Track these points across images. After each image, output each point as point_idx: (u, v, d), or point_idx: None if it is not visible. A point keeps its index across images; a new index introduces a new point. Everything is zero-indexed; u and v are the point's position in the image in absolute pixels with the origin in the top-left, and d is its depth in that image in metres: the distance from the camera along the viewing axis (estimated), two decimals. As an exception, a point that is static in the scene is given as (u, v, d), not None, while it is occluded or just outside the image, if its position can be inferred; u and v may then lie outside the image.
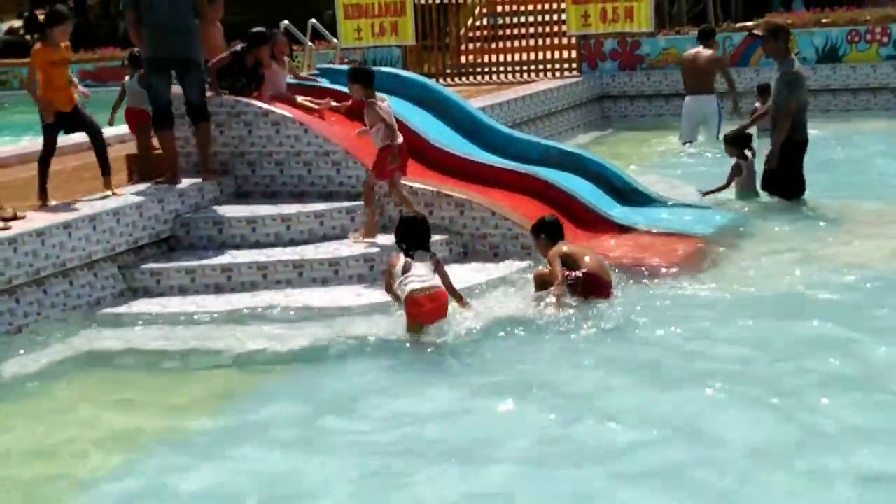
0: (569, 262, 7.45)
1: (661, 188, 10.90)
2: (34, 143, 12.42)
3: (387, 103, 8.71)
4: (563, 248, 7.57)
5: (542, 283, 7.49)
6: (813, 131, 10.62)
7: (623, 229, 9.26)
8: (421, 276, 7.02)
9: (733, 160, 10.70)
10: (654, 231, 9.19)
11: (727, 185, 10.66)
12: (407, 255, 7.17)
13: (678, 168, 12.58)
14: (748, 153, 10.73)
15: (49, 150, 8.56)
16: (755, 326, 6.95)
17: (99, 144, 8.64)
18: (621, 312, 7.32)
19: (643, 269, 8.20)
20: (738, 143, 10.79)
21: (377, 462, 5.32)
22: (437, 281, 7.09)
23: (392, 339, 7.04)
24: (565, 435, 5.50)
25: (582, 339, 6.87)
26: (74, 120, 8.61)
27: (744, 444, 5.23)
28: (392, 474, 5.19)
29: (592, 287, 7.39)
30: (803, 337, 6.70)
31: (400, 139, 8.70)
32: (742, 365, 6.27)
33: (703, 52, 14.26)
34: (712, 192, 10.63)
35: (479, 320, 7.25)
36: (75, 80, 9.63)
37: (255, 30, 9.74)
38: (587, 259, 7.51)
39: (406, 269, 7.06)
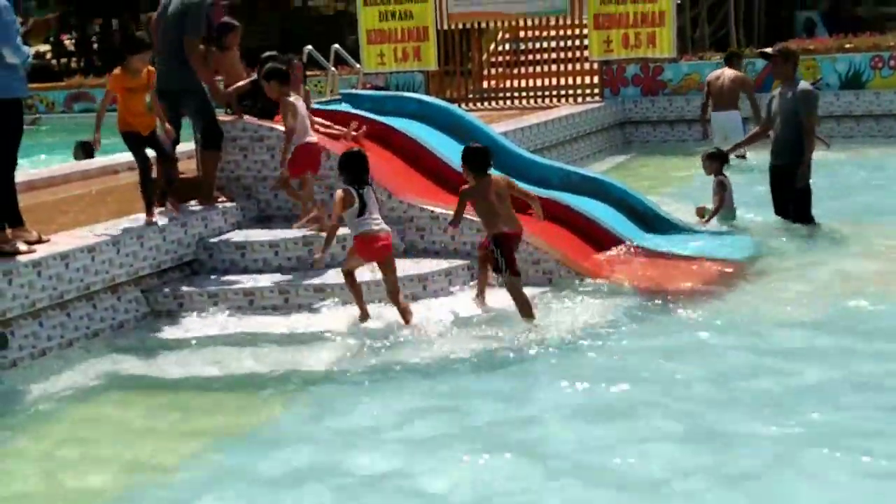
0: (483, 211, 7.91)
1: (684, 214, 10.87)
2: (61, 167, 12.57)
3: (301, 103, 8.89)
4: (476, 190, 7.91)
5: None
6: (837, 156, 10.59)
7: (646, 255, 9.24)
8: (376, 219, 7.74)
9: (717, 178, 10.77)
10: (677, 256, 9.17)
11: (721, 205, 10.65)
12: (358, 193, 7.64)
13: (700, 193, 12.52)
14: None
15: (144, 166, 8.54)
16: (781, 353, 6.90)
17: (168, 170, 8.76)
18: (640, 338, 7.31)
19: (666, 294, 8.18)
20: (718, 158, 10.94)
21: (399, 487, 5.31)
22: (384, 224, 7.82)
23: (414, 361, 7.05)
24: (591, 453, 5.48)
25: (602, 366, 6.86)
26: (151, 145, 8.62)
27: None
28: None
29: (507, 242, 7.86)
30: (835, 364, 6.65)
31: (312, 139, 8.85)
32: (766, 395, 6.23)
33: (728, 71, 14.87)
34: (712, 216, 10.60)
35: (501, 344, 7.25)
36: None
37: (271, 65, 9.63)
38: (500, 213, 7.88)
39: (363, 209, 7.64)
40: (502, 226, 7.92)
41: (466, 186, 8.00)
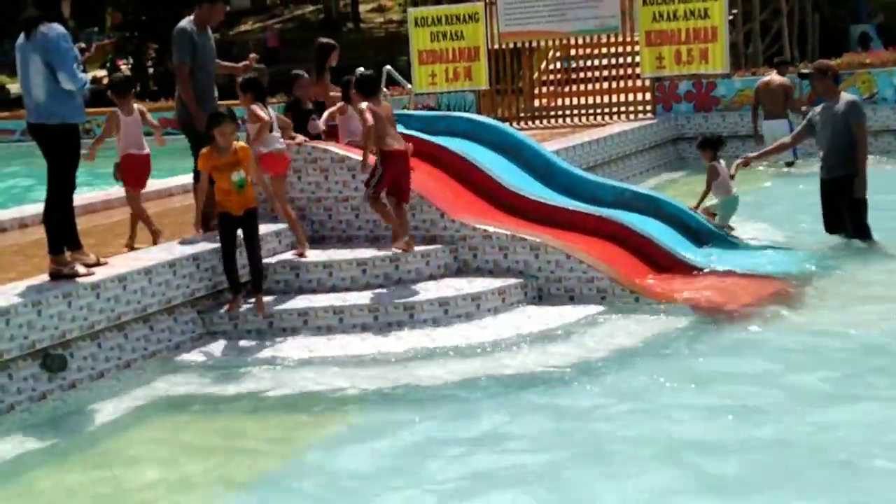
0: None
1: (739, 229, 10.78)
2: (117, 190, 12.72)
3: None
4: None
5: None
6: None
7: (700, 272, 9.17)
8: (279, 136, 8.65)
9: (710, 164, 11.05)
10: (732, 273, 9.09)
11: (708, 191, 10.99)
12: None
13: (754, 209, 12.43)
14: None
15: (228, 247, 8.30)
16: (839, 372, 6.81)
17: (254, 264, 8.39)
18: (697, 356, 7.25)
19: (721, 312, 8.11)
20: (711, 145, 11.20)
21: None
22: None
23: (466, 379, 7.05)
24: (653, 473, 5.44)
25: (656, 383, 6.81)
26: (244, 227, 8.30)
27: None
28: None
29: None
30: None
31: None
32: (823, 415, 6.15)
33: (776, 78, 15.61)
34: (699, 203, 10.95)
35: (556, 361, 7.23)
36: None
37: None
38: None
39: (271, 127, 8.81)
40: (392, 143, 8.74)
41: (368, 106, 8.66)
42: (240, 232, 8.32)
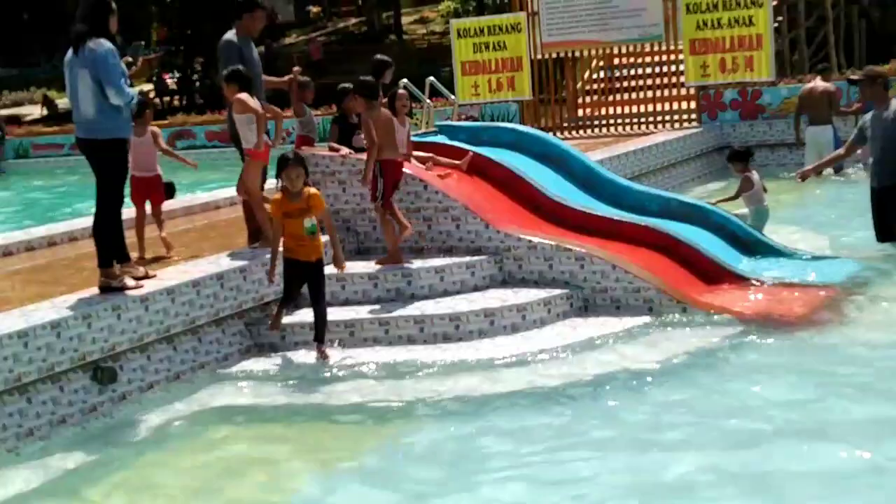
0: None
1: (786, 239, 10.68)
2: (168, 203, 12.86)
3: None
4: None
5: None
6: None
7: (749, 282, 9.10)
8: None
9: (744, 175, 11.26)
10: (781, 283, 9.01)
11: (735, 197, 11.25)
12: None
13: (802, 217, 12.32)
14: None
15: (292, 295, 8.23)
16: (892, 384, 6.72)
17: (320, 314, 8.07)
18: (745, 367, 7.19)
19: (771, 322, 8.03)
20: (741, 157, 11.49)
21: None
22: None
23: (512, 389, 7.04)
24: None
25: (704, 394, 6.76)
26: (312, 276, 8.07)
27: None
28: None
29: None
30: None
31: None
32: (880, 426, 6.07)
33: (819, 84, 15.51)
34: (721, 201, 11.21)
35: (604, 370, 7.21)
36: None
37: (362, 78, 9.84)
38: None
39: None
40: (388, 153, 8.89)
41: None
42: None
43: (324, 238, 8.18)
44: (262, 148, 8.76)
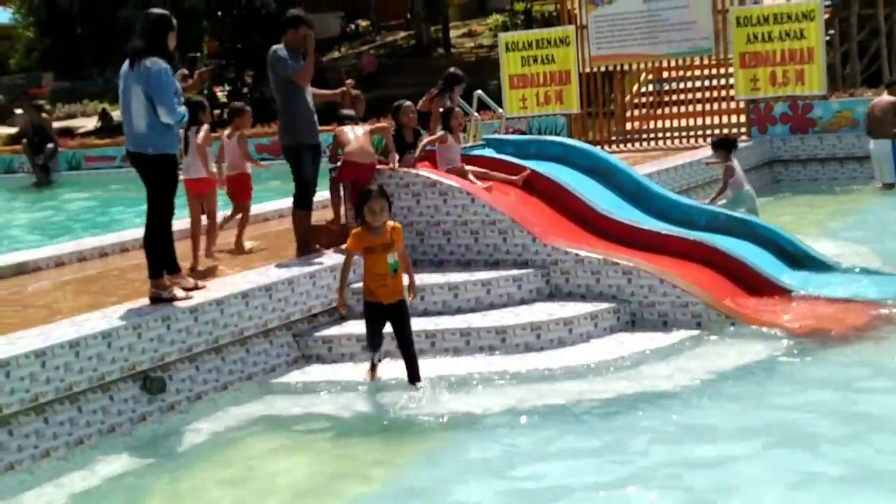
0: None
1: (837, 253, 10.57)
2: (219, 213, 12.98)
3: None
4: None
5: None
6: None
7: (797, 296, 9.01)
8: None
9: (726, 164, 12.04)
10: (831, 298, 8.91)
11: (724, 188, 11.99)
12: None
13: (854, 233, 12.19)
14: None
15: (377, 340, 7.69)
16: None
17: (410, 356, 7.60)
18: (795, 381, 7.12)
19: (821, 337, 7.95)
20: (727, 146, 12.28)
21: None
22: None
23: (558, 402, 7.03)
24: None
25: (753, 409, 6.70)
26: (396, 317, 7.59)
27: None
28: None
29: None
30: None
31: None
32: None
33: (885, 98, 15.31)
34: (714, 199, 11.92)
35: (652, 384, 7.17)
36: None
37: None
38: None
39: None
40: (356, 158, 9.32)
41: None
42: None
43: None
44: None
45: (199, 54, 9.19)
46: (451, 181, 9.59)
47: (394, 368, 8.01)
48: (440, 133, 10.28)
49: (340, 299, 7.78)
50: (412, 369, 7.57)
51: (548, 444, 6.46)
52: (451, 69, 11.37)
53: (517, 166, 10.63)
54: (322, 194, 10.47)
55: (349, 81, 10.44)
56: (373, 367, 7.78)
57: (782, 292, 9.11)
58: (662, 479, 5.81)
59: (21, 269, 9.95)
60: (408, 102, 10.20)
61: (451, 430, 6.89)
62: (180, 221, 9.45)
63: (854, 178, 16.40)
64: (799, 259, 10.07)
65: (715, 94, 18.15)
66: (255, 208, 12.91)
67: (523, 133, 18.53)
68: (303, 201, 9.41)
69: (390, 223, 7.57)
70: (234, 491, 6.21)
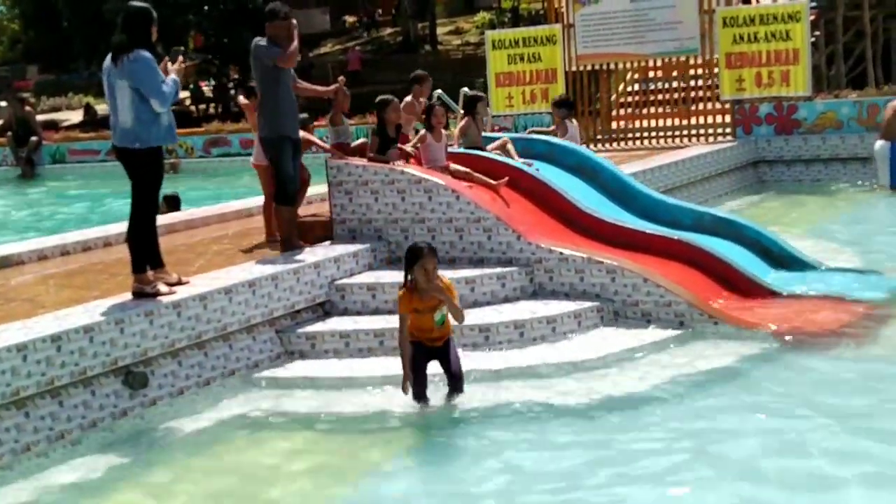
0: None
1: (820, 254, 10.61)
2: (203, 209, 12.98)
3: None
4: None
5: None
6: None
7: (781, 297, 9.04)
8: None
9: (564, 121, 12.83)
10: (814, 298, 8.94)
11: (553, 134, 12.54)
12: None
13: (837, 233, 12.24)
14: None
15: (419, 390, 7.15)
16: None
17: (457, 390, 7.23)
18: (777, 382, 7.15)
19: (803, 337, 7.98)
20: (569, 105, 13.52)
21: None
22: None
23: (534, 402, 7.03)
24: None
25: (734, 409, 6.72)
26: (442, 356, 7.26)
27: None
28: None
29: None
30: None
31: None
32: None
33: (895, 101, 15.18)
34: (539, 131, 12.83)
35: (633, 385, 7.19)
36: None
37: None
38: None
39: None
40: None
41: None
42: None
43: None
44: None
45: (182, 48, 9.10)
46: (437, 178, 9.59)
47: (377, 366, 8.01)
48: (421, 133, 10.29)
49: (405, 378, 7.11)
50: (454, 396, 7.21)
51: (530, 442, 6.47)
52: (467, 90, 11.55)
53: (505, 165, 10.62)
54: (311, 189, 10.50)
55: (341, 79, 10.40)
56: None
57: (766, 292, 9.15)
58: (644, 477, 5.82)
59: (4, 263, 9.90)
60: (393, 99, 10.15)
61: (433, 428, 6.89)
62: (167, 216, 9.44)
63: (837, 179, 16.47)
64: (783, 259, 10.11)
65: (701, 94, 18.18)
66: (241, 203, 12.94)
67: (509, 131, 18.53)
68: (283, 196, 9.39)
69: (443, 280, 7.18)
70: (215, 487, 6.20)
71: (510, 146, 10.81)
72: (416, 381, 7.13)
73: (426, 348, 7.20)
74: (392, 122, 10.01)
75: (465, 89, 15.71)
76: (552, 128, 13.19)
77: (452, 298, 7.09)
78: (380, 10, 52.09)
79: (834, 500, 5.37)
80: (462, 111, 12.48)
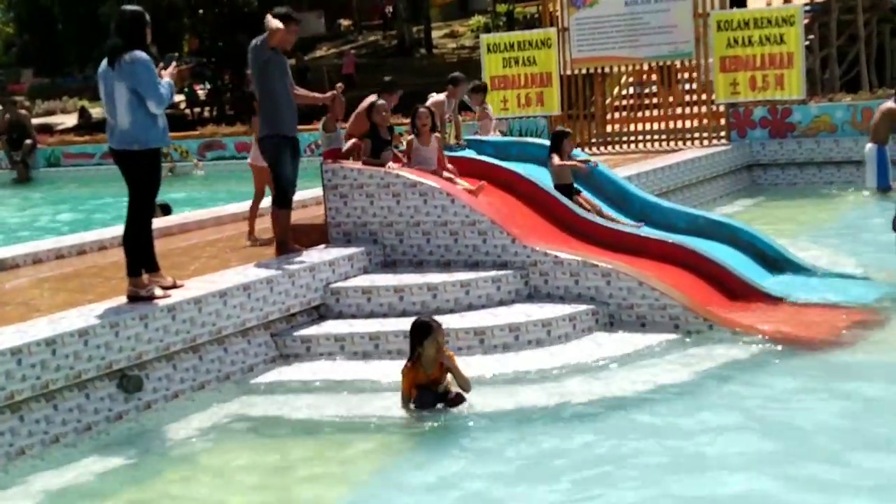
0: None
1: (815, 257, 10.63)
2: (196, 213, 12.97)
3: None
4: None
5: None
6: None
7: (775, 300, 9.05)
8: None
9: (481, 107, 13.62)
10: (808, 302, 8.96)
11: (472, 111, 13.92)
12: None
13: (831, 237, 12.26)
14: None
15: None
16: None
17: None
18: (770, 386, 7.16)
19: (797, 341, 7.99)
20: (483, 90, 14.09)
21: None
22: None
23: (536, 405, 7.04)
24: None
25: (727, 413, 6.74)
26: (449, 402, 7.16)
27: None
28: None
29: None
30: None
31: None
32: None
33: (886, 104, 15.26)
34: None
35: (626, 387, 7.20)
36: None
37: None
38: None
39: None
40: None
41: None
42: None
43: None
44: None
45: (176, 54, 9.08)
46: (432, 182, 9.59)
47: (369, 371, 8.01)
48: (409, 137, 10.24)
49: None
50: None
51: (523, 446, 6.46)
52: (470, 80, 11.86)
53: (499, 168, 10.64)
54: (307, 192, 10.48)
55: (339, 85, 10.31)
56: None
57: (760, 296, 9.15)
58: (637, 480, 5.83)
59: (-2, 267, 9.90)
60: (378, 101, 10.11)
61: (428, 432, 6.89)
62: (162, 220, 9.43)
63: (832, 183, 16.51)
64: (777, 263, 10.12)
65: (695, 97, 18.20)
66: (236, 207, 12.92)
67: (504, 135, 18.54)
68: (282, 200, 9.38)
69: (445, 353, 7.22)
70: (211, 490, 6.19)
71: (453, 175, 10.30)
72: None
73: (434, 393, 7.17)
74: (380, 124, 9.97)
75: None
76: (476, 113, 13.98)
77: (454, 369, 7.14)
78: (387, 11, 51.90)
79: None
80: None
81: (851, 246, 11.50)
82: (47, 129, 33.50)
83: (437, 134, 10.43)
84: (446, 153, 10.71)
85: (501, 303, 8.90)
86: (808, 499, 5.44)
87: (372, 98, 10.22)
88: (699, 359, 7.84)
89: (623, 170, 13.78)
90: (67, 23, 40.79)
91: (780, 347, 7.91)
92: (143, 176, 7.76)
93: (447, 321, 8.40)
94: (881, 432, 6.26)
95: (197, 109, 40.61)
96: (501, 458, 6.32)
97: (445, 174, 9.94)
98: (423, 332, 7.18)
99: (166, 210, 13.89)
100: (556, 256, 9.01)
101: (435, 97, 11.79)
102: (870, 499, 5.39)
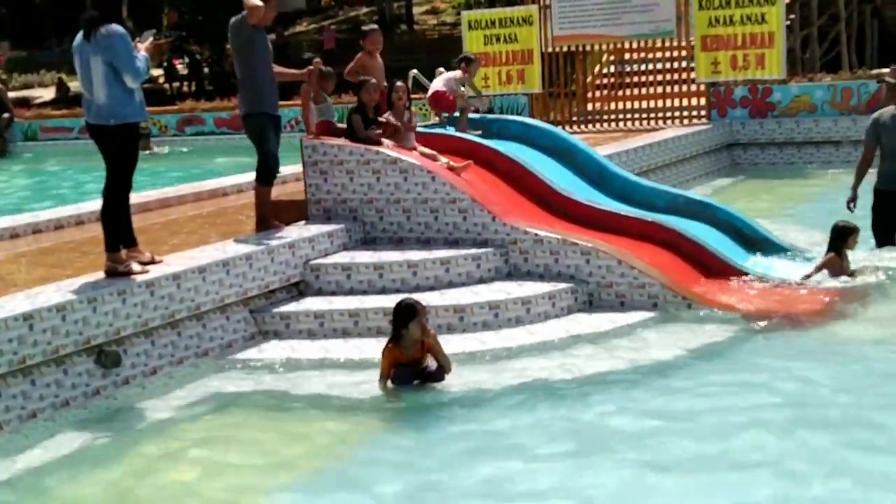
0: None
1: (793, 237, 10.68)
2: (175, 188, 12.91)
3: None
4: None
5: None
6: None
7: (754, 279, 9.09)
8: None
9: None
10: (785, 282, 9.00)
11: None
12: None
13: (810, 216, 12.31)
14: None
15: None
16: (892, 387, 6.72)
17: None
18: (748, 364, 7.20)
19: (775, 320, 8.03)
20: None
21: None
22: None
23: (508, 384, 7.05)
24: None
25: (705, 390, 6.77)
26: (429, 378, 7.22)
27: None
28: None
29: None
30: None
31: None
32: (867, 423, 6.08)
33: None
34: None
35: (604, 365, 7.22)
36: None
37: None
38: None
39: None
40: None
41: None
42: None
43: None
44: None
45: (154, 30, 8.91)
46: (412, 159, 9.56)
47: (348, 348, 8.01)
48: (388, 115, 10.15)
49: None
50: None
51: (502, 423, 6.47)
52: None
53: (479, 146, 10.62)
54: (286, 168, 10.42)
55: (317, 60, 10.25)
56: None
57: (739, 275, 9.19)
58: (616, 458, 5.85)
59: (-26, 241, 9.83)
60: (368, 80, 10.02)
61: (407, 409, 6.90)
62: (137, 195, 9.37)
63: (811, 163, 16.59)
64: (756, 242, 10.16)
65: (676, 76, 18.22)
66: (215, 182, 12.88)
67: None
68: (265, 176, 9.34)
69: (428, 334, 7.19)
70: (188, 467, 6.17)
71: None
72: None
73: (412, 370, 7.19)
74: (368, 103, 9.91)
75: (415, 71, 15.62)
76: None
77: (433, 349, 7.16)
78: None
79: (801, 482, 5.42)
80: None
81: (828, 225, 11.51)
82: (25, 103, 33.21)
83: (414, 109, 10.39)
84: (425, 130, 10.66)
85: (481, 280, 8.90)
86: (782, 479, 5.47)
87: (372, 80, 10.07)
88: (678, 337, 7.87)
89: (604, 148, 13.78)
90: (45, -5, 40.39)
91: (758, 325, 7.95)
92: (120, 151, 7.70)
93: (427, 298, 8.41)
94: (859, 403, 6.30)
95: (176, 84, 40.38)
96: (480, 435, 6.33)
97: (429, 152, 9.91)
98: (408, 314, 7.16)
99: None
100: (535, 234, 9.01)
101: (447, 74, 11.71)
102: (861, 461, 5.43)
